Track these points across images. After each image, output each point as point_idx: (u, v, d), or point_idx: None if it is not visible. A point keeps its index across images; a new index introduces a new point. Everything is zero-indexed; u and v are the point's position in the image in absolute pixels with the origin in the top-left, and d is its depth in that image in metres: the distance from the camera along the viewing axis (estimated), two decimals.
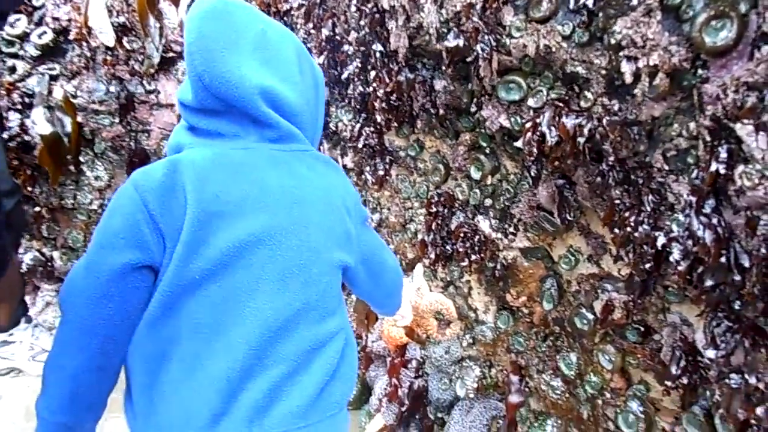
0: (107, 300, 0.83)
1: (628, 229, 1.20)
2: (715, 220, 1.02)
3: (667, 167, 1.14)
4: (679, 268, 1.08)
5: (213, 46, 0.90)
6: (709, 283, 1.05)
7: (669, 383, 1.26)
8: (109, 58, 2.72)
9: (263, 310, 0.87)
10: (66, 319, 0.85)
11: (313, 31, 2.07)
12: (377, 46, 1.73)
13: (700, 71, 1.00)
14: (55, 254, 3.21)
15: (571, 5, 1.18)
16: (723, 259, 1.02)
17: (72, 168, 2.89)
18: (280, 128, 0.96)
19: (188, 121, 0.96)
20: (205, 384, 0.84)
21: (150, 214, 0.86)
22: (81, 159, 2.92)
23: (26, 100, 2.77)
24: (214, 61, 0.90)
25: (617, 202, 1.24)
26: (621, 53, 1.06)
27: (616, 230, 1.24)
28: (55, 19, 2.74)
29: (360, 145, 1.99)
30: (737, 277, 1.01)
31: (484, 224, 1.72)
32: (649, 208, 1.17)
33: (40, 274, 3.55)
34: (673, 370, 1.25)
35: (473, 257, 1.76)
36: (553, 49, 1.24)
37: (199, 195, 0.87)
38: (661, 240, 1.15)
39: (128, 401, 0.91)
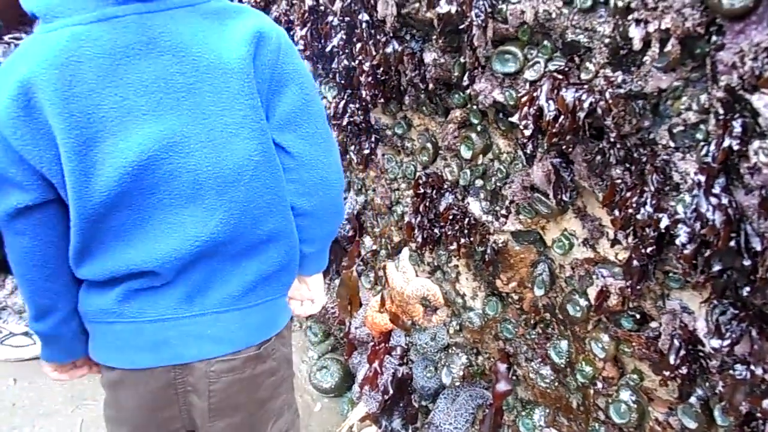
0: (20, 235, 0.83)
1: (630, 210, 1.13)
2: (725, 201, 0.95)
3: (673, 144, 1.07)
4: (685, 251, 1.01)
5: None
6: (716, 268, 0.98)
7: (667, 373, 1.20)
8: None
9: (184, 225, 0.84)
10: (6, 249, 0.87)
11: (295, 2, 1.96)
12: (363, 16, 1.63)
13: (714, 37, 0.92)
14: None
15: None
16: (732, 243, 0.95)
17: None
18: None
19: None
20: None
21: (16, 153, 0.78)
22: None
23: None
24: None
25: (618, 181, 1.17)
26: (630, 17, 0.97)
27: (617, 212, 1.17)
28: None
29: (344, 123, 1.89)
30: (747, 262, 0.95)
31: (474, 206, 1.64)
32: (652, 188, 1.09)
33: None
34: (672, 359, 1.18)
35: (462, 241, 1.68)
36: (553, 15, 1.15)
37: (64, 119, 0.76)
38: (664, 222, 1.08)
39: None
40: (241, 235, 0.88)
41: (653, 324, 1.31)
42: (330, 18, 1.78)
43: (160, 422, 0.94)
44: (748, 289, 0.98)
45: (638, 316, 1.33)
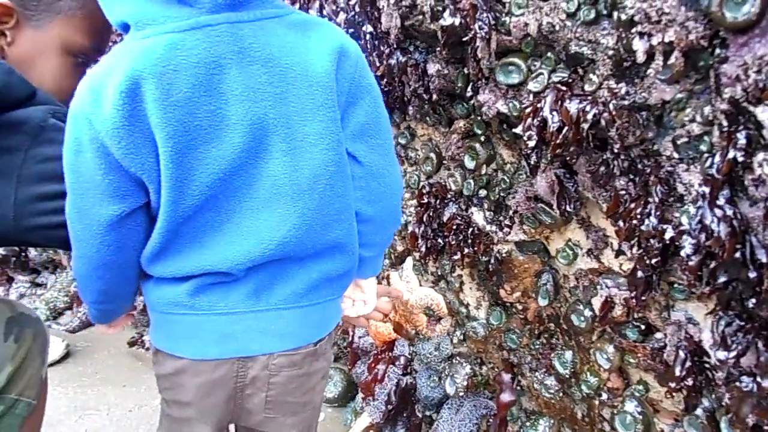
0: (105, 245, 0.85)
1: (634, 221, 1.13)
2: (730, 212, 0.95)
3: (677, 155, 1.07)
4: (690, 263, 1.01)
5: None
6: (722, 279, 0.98)
7: (673, 384, 1.20)
8: None
9: (258, 229, 0.86)
10: (76, 255, 0.89)
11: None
12: (367, 27, 1.64)
13: (718, 50, 0.92)
14: None
15: None
16: (738, 254, 0.95)
17: None
18: None
19: None
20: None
21: (117, 163, 0.80)
22: None
23: None
24: None
25: (622, 192, 1.17)
26: (633, 30, 0.98)
27: (621, 223, 1.17)
28: None
29: None
30: (753, 274, 0.95)
31: (477, 216, 1.65)
32: (657, 199, 1.10)
33: (14, 265, 3.42)
34: (678, 371, 1.18)
35: (466, 251, 1.68)
36: (557, 28, 1.16)
37: (164, 127, 0.78)
38: (669, 233, 1.08)
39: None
40: (311, 240, 0.91)
41: (658, 335, 1.31)
42: None
43: (213, 410, 0.97)
44: (753, 300, 0.98)
45: (643, 327, 1.33)
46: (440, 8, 1.34)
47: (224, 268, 0.87)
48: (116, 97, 0.76)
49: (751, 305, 0.98)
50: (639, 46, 0.97)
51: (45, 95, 0.93)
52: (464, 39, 1.31)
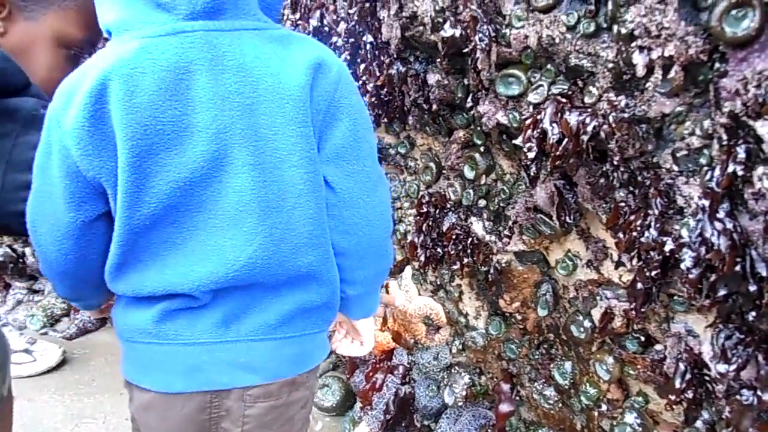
0: (63, 254, 0.84)
1: (634, 233, 1.13)
2: (730, 225, 0.95)
3: (676, 168, 1.07)
4: (690, 276, 1.01)
5: None
6: (722, 292, 0.98)
7: (673, 397, 1.19)
8: None
9: (223, 248, 0.82)
10: (40, 259, 0.89)
11: (300, 22, 1.98)
12: (368, 38, 1.65)
13: (717, 64, 0.93)
14: (27, 251, 3.07)
15: None
16: (738, 268, 0.95)
17: None
18: None
19: None
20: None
21: (75, 167, 0.79)
22: None
23: None
24: None
25: (622, 204, 1.17)
26: (633, 44, 0.98)
27: (621, 235, 1.17)
28: None
29: None
30: (753, 287, 0.95)
31: (477, 226, 1.65)
32: (656, 212, 1.10)
33: (11, 271, 3.40)
34: (678, 383, 1.18)
35: (465, 260, 1.68)
36: (557, 41, 1.16)
37: (123, 129, 0.76)
38: (669, 246, 1.08)
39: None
40: (281, 265, 0.85)
41: (658, 347, 1.30)
42: (334, 39, 1.80)
43: None
44: (753, 314, 0.98)
45: (643, 339, 1.33)
46: (441, 20, 1.34)
47: (187, 289, 0.82)
48: (83, 98, 0.76)
49: (751, 318, 0.98)
50: (639, 60, 0.97)
51: (38, 90, 0.93)
52: (464, 50, 1.32)
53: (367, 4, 1.56)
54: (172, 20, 0.78)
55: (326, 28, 1.85)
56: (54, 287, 0.95)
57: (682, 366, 1.18)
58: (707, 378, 1.17)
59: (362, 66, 1.70)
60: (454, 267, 1.71)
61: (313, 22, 1.88)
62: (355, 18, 1.63)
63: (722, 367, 1.03)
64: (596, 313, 1.41)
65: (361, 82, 1.73)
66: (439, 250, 1.78)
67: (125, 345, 0.92)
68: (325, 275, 0.91)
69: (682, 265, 1.02)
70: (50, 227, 0.83)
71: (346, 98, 0.87)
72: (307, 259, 0.87)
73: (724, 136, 0.94)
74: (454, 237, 1.69)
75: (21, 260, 3.34)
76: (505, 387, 1.78)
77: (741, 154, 0.92)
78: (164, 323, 0.86)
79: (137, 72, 0.76)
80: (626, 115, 1.09)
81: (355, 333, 1.09)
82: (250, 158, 0.81)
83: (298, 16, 1.96)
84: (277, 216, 0.83)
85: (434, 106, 1.59)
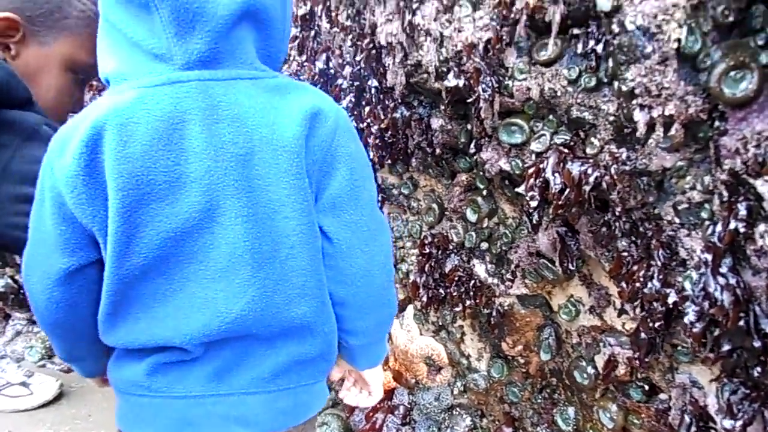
0: (54, 302, 0.83)
1: (637, 284, 1.14)
2: (733, 281, 0.96)
3: (678, 220, 1.08)
4: (694, 330, 1.01)
5: None
6: (726, 347, 0.98)
7: None
8: None
9: (215, 300, 0.81)
10: (34, 310, 0.87)
11: (306, 64, 2.02)
12: (372, 82, 1.68)
13: (717, 123, 0.95)
14: None
15: (579, 50, 1.13)
16: (742, 323, 0.95)
17: None
18: (216, 38, 0.77)
19: (107, 16, 0.81)
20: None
21: (70, 213, 0.78)
22: None
23: None
24: None
25: (624, 254, 1.18)
26: (634, 101, 1.00)
27: (624, 284, 1.18)
28: None
29: None
30: (757, 343, 0.94)
31: (479, 268, 1.65)
32: (659, 263, 1.10)
33: (12, 302, 3.39)
34: None
35: (467, 302, 1.68)
36: (558, 93, 1.19)
37: (115, 178, 0.76)
38: (672, 298, 1.08)
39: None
40: (274, 316, 0.84)
41: (662, 396, 1.29)
42: (339, 81, 1.83)
43: None
44: (759, 369, 0.98)
45: (647, 387, 1.32)
46: (445, 69, 1.37)
47: (178, 342, 0.81)
48: (77, 146, 0.76)
49: (756, 374, 0.98)
50: (640, 117, 0.99)
51: (41, 110, 0.94)
52: (468, 99, 1.34)
53: (373, 51, 1.60)
54: (169, 70, 0.78)
55: (332, 71, 1.89)
56: (54, 348, 0.94)
57: (687, 418, 1.17)
58: (713, 431, 1.16)
59: (367, 109, 1.73)
60: (457, 309, 1.71)
61: (319, 64, 1.92)
62: (361, 63, 1.66)
63: (728, 423, 1.02)
64: (599, 360, 1.40)
65: (365, 124, 1.76)
66: (441, 291, 1.78)
67: (119, 396, 0.92)
68: (320, 326, 0.90)
69: (686, 319, 1.02)
70: (42, 274, 0.82)
71: (343, 147, 0.86)
72: (300, 311, 0.86)
73: (725, 193, 0.95)
74: (456, 279, 1.69)
75: (22, 291, 3.33)
76: (507, 430, 1.75)
77: (742, 211, 0.93)
78: (156, 376, 0.85)
79: (132, 122, 0.76)
80: (627, 168, 1.10)
81: (363, 383, 1.07)
82: (243, 209, 0.80)
83: (304, 58, 2.00)
84: (270, 267, 0.82)
85: (437, 150, 1.61)
